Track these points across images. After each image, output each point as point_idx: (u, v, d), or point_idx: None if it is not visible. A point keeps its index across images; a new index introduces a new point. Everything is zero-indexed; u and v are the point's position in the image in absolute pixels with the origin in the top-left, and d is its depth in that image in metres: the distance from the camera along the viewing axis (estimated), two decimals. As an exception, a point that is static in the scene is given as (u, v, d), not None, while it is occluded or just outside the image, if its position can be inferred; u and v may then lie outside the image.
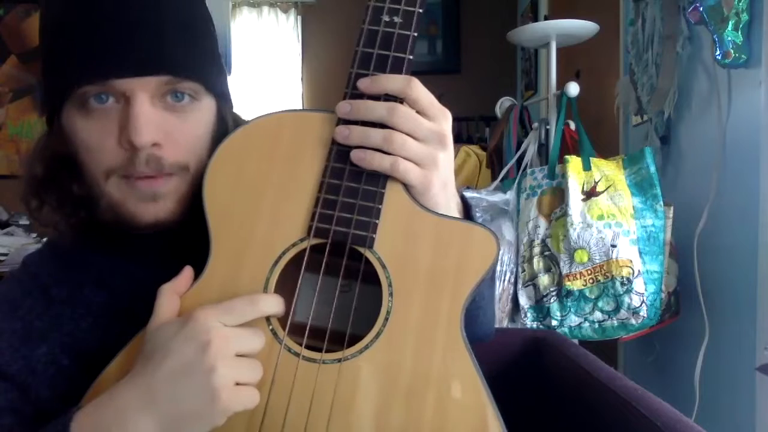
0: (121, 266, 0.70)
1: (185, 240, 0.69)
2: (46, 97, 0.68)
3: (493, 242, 0.60)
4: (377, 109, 0.59)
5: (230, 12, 3.86)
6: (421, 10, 0.61)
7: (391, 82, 0.59)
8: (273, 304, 0.58)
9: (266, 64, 4.05)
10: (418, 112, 0.60)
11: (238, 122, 0.73)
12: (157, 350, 0.54)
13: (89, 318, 0.68)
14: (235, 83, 3.59)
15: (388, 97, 0.60)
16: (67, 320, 0.67)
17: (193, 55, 0.66)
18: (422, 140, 0.60)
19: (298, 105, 4.04)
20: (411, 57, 0.61)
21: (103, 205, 0.66)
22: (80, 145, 0.65)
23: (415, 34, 0.61)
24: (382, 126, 0.59)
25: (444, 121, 0.61)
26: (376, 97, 0.60)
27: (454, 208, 0.64)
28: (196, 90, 0.66)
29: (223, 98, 0.71)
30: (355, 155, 0.59)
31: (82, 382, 0.60)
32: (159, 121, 0.63)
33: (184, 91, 0.65)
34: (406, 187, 0.60)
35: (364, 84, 0.60)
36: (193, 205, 0.66)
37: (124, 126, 0.62)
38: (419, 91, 0.60)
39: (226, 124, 0.71)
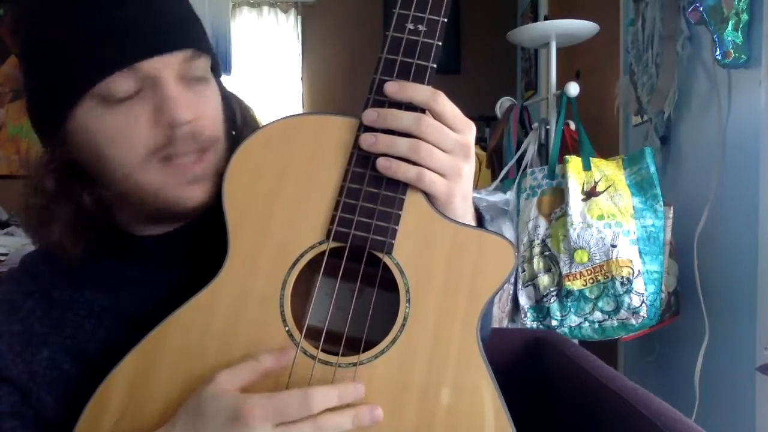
0: (123, 269, 0.69)
1: (188, 244, 0.69)
2: (46, 112, 0.65)
3: (511, 252, 0.61)
4: (404, 119, 0.58)
5: (230, 12, 3.85)
6: (445, 20, 0.61)
7: (418, 92, 0.59)
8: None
9: (266, 64, 4.04)
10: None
11: (241, 103, 0.75)
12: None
13: (91, 320, 0.67)
14: (235, 83, 3.61)
15: (409, 107, 0.59)
16: (68, 323, 0.67)
17: (201, 32, 0.67)
18: (448, 151, 0.59)
19: (298, 105, 4.03)
20: (434, 65, 0.60)
21: (136, 199, 0.65)
22: (107, 140, 0.63)
23: (440, 43, 0.61)
24: (407, 135, 0.59)
25: (469, 132, 0.61)
26: (397, 105, 0.59)
27: (470, 218, 0.65)
28: (204, 69, 0.66)
29: (220, 81, 0.72)
30: (381, 164, 0.59)
31: (84, 385, 0.59)
32: (189, 98, 0.63)
33: (196, 73, 0.65)
34: (427, 195, 0.60)
35: (391, 88, 0.59)
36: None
37: (160, 107, 0.61)
38: (444, 104, 0.59)
39: (230, 103, 0.72)
